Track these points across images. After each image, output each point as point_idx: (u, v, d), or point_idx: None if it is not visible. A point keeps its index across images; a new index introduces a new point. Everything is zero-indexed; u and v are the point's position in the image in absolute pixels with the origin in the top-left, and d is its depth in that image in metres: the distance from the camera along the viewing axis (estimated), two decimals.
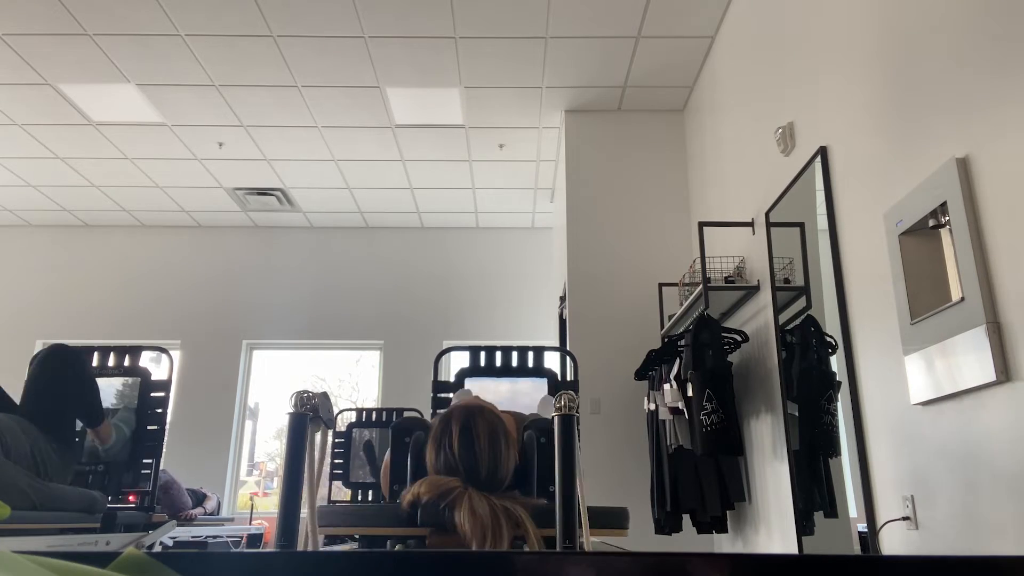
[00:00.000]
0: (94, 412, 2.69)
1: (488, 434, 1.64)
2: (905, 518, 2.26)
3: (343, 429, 4.76)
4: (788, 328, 3.18)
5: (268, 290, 7.04)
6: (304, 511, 1.41)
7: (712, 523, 3.72)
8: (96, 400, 2.70)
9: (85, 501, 2.39)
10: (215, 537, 4.93)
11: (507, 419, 1.81)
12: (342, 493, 4.85)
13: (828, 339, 2.80)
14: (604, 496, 4.39)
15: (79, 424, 2.71)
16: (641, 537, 4.27)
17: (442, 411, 1.75)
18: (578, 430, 1.88)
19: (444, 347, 6.88)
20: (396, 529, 1.57)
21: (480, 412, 1.68)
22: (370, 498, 4.62)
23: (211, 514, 5.27)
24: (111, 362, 3.07)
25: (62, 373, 2.57)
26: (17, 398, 2.63)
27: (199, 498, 5.16)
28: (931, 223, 2.14)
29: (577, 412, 1.53)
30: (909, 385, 2.20)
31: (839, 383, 2.71)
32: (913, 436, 2.22)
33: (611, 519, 1.76)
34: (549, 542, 1.59)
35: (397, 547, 1.61)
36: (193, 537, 4.72)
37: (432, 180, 6.27)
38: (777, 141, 3.27)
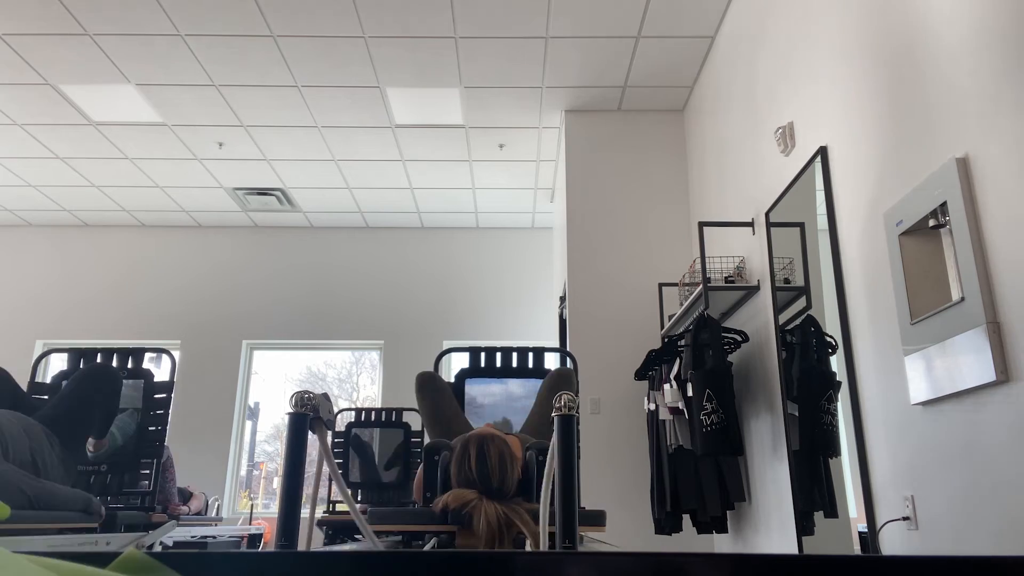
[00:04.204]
0: (106, 429, 2.80)
1: (498, 456, 2.11)
2: (905, 518, 2.26)
3: (343, 429, 4.76)
4: (788, 328, 3.18)
5: (268, 290, 7.04)
6: (304, 511, 1.42)
7: (712, 523, 3.71)
8: (112, 420, 2.80)
9: (80, 502, 2.40)
10: (215, 537, 4.93)
11: (513, 442, 2.24)
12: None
13: (828, 339, 2.80)
14: (604, 496, 4.39)
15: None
16: (641, 537, 4.27)
17: (462, 437, 2.20)
18: (578, 430, 2.05)
19: (444, 347, 6.89)
20: (433, 526, 2.04)
21: (492, 439, 2.15)
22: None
23: (197, 514, 5.21)
24: (115, 365, 3.07)
25: (103, 392, 2.69)
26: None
27: (184, 497, 5.13)
28: (931, 223, 2.14)
29: (577, 412, 1.60)
30: (909, 385, 2.20)
31: (839, 383, 2.71)
32: (913, 436, 2.22)
33: (593, 519, 2.12)
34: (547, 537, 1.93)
35: (432, 540, 2.11)
36: (193, 537, 4.71)
37: (432, 180, 6.27)
38: (777, 141, 3.27)
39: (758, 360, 3.56)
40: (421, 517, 2.06)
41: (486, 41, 4.42)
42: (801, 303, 3.05)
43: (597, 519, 2.12)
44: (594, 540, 2.73)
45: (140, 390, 3.02)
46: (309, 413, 1.51)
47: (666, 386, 3.66)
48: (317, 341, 6.93)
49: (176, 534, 4.46)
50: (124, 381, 2.99)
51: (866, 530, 2.46)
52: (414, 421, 4.85)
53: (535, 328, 6.93)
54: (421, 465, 2.33)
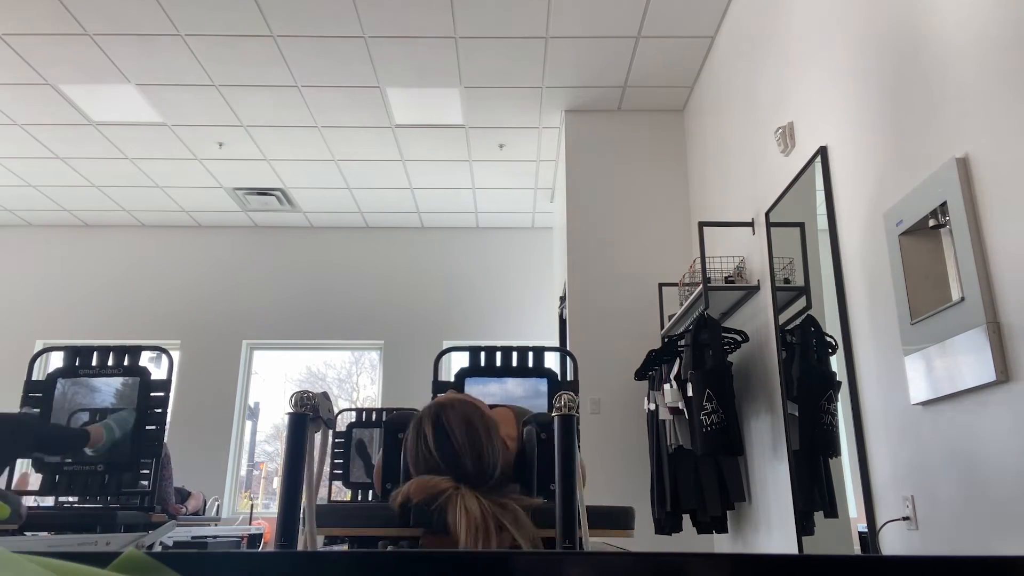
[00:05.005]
0: (67, 447, 2.82)
1: (463, 424, 1.57)
2: (905, 518, 2.26)
3: (343, 429, 4.76)
4: (788, 328, 3.18)
5: (268, 290, 7.04)
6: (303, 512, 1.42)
7: (712, 523, 3.71)
8: (63, 443, 2.80)
9: None
10: (215, 537, 4.93)
11: (501, 412, 1.77)
12: (342, 493, 4.85)
13: (828, 339, 2.80)
14: (604, 496, 4.39)
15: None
16: (641, 537, 4.27)
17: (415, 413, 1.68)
18: (578, 430, 1.83)
19: (444, 347, 6.88)
20: (388, 530, 1.53)
21: (450, 405, 1.60)
22: (370, 498, 4.62)
23: (194, 514, 5.18)
24: (111, 362, 3.07)
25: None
26: (16, 399, 2.67)
27: (182, 496, 5.11)
28: (931, 223, 2.14)
29: (577, 412, 1.52)
30: (909, 385, 2.20)
31: (839, 383, 2.71)
32: (913, 436, 2.22)
33: (615, 519, 1.70)
34: (549, 543, 1.54)
35: (389, 548, 1.55)
36: (193, 537, 4.71)
37: (432, 180, 6.27)
38: (777, 141, 3.27)
39: (758, 360, 3.56)
40: (374, 517, 1.58)
41: (486, 41, 4.42)
42: (801, 303, 3.05)
43: (623, 519, 1.69)
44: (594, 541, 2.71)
45: (136, 388, 3.02)
46: (309, 413, 1.50)
47: (666, 386, 3.66)
48: (317, 341, 6.93)
49: (176, 534, 4.45)
50: (120, 378, 3.01)
51: (866, 530, 2.46)
52: None
53: (535, 328, 6.93)
54: (380, 450, 1.81)
